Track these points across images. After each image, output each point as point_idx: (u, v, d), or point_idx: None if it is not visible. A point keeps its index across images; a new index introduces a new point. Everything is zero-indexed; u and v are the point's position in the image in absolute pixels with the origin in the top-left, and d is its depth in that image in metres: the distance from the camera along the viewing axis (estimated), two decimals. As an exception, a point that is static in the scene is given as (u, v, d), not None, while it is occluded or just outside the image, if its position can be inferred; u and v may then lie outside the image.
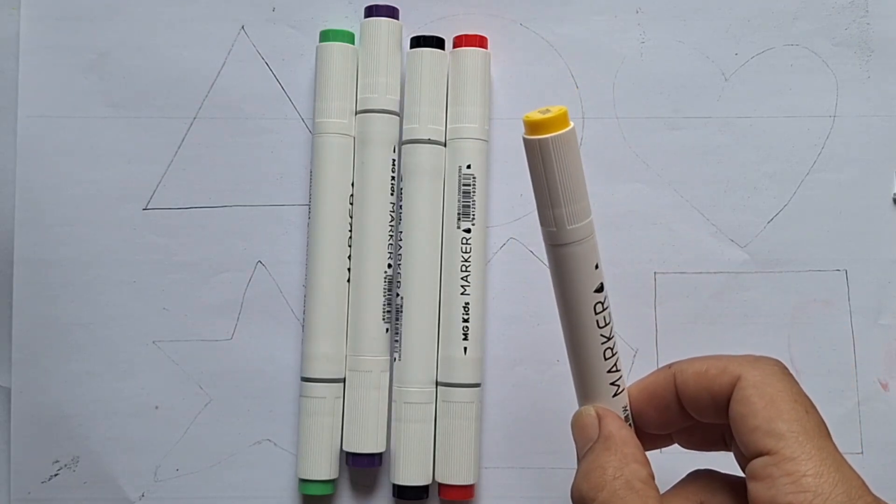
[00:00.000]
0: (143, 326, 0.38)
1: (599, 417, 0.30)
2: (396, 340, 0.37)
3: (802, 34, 0.39)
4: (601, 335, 0.28)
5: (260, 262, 0.39)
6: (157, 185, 0.39)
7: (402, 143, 0.37)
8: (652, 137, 0.39)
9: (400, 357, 0.37)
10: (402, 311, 0.37)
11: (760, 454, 0.26)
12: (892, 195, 0.39)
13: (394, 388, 0.37)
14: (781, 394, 0.27)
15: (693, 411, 0.29)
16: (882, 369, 0.39)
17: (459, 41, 0.38)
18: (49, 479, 0.38)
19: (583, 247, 0.27)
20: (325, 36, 0.38)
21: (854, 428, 0.38)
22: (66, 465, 0.38)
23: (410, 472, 0.37)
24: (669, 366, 0.30)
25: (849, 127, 0.39)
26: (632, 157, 0.39)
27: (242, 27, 0.39)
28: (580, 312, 0.28)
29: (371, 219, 0.37)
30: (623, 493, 0.27)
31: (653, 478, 0.28)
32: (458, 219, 0.37)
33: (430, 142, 0.37)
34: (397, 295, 0.37)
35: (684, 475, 0.30)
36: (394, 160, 0.37)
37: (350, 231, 0.37)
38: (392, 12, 0.37)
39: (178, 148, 0.39)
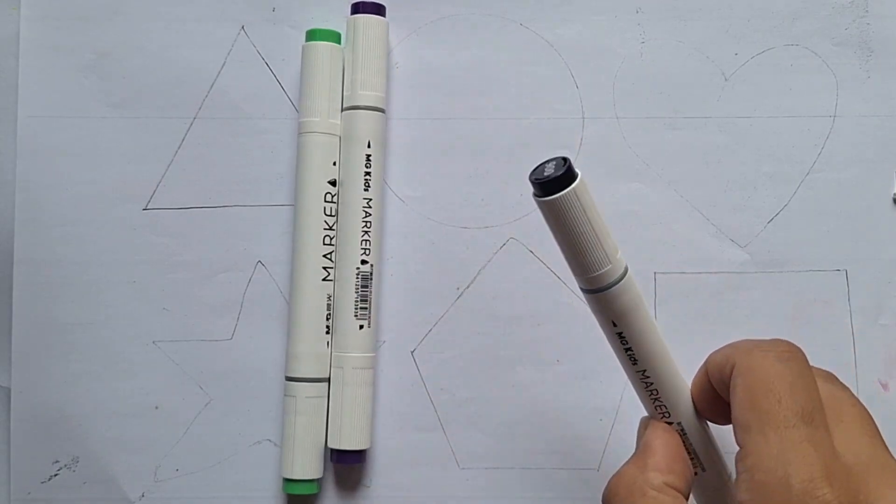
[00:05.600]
0: (143, 326, 0.38)
1: (645, 426, 0.31)
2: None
3: (802, 34, 0.39)
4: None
5: (260, 262, 0.39)
6: (157, 185, 0.39)
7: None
8: (652, 137, 0.39)
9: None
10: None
11: (739, 447, 0.26)
12: (892, 195, 0.39)
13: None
14: (761, 382, 0.26)
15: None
16: (882, 369, 0.39)
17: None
18: (49, 479, 0.38)
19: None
20: (311, 35, 0.38)
21: (854, 428, 0.38)
22: (66, 465, 0.38)
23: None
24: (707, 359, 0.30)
25: (849, 127, 0.39)
26: (632, 157, 0.39)
27: (242, 27, 0.39)
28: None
29: (351, 215, 0.37)
30: (634, 499, 0.27)
31: (673, 485, 0.28)
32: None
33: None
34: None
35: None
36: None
37: (335, 229, 0.37)
38: (378, 9, 0.38)
39: (178, 148, 0.39)
